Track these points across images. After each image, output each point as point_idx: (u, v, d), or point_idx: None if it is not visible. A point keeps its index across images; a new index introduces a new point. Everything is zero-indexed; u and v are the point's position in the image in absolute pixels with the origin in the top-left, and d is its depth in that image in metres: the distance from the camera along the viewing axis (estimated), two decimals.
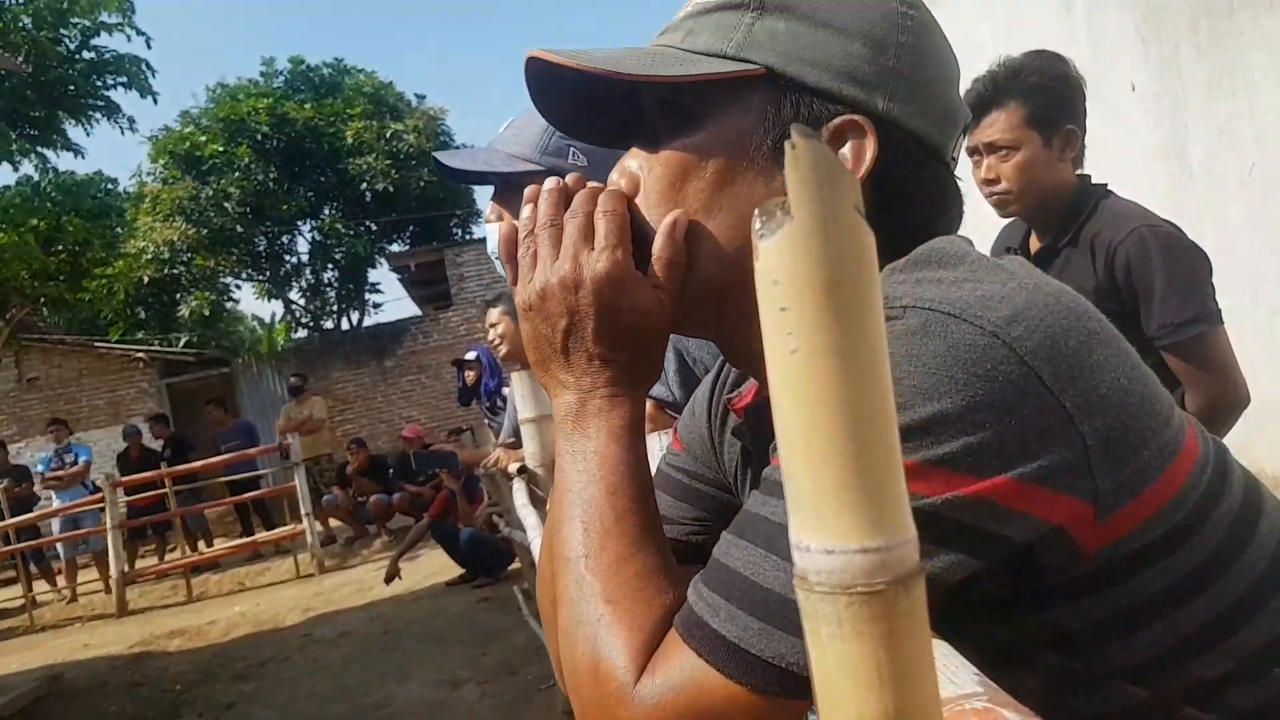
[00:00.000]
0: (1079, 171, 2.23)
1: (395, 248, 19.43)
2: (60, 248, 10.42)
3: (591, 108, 0.85)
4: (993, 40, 4.73)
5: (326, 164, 18.25)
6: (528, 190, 0.85)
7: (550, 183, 0.83)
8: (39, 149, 10.56)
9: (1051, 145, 2.14)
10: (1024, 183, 2.16)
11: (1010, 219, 2.35)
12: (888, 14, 0.78)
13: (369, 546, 10.78)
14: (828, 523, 0.45)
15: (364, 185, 17.81)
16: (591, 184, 0.83)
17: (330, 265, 19.27)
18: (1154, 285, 2.05)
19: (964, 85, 2.26)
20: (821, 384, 0.45)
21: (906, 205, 0.78)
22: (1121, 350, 0.68)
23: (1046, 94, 2.13)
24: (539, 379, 0.85)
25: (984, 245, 2.56)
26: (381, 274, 21.17)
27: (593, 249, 0.78)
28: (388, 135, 17.89)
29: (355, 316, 20.02)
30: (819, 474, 0.45)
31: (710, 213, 0.78)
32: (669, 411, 1.65)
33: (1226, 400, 2.09)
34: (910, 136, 0.77)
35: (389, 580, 7.66)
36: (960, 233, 0.83)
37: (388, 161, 17.72)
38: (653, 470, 1.40)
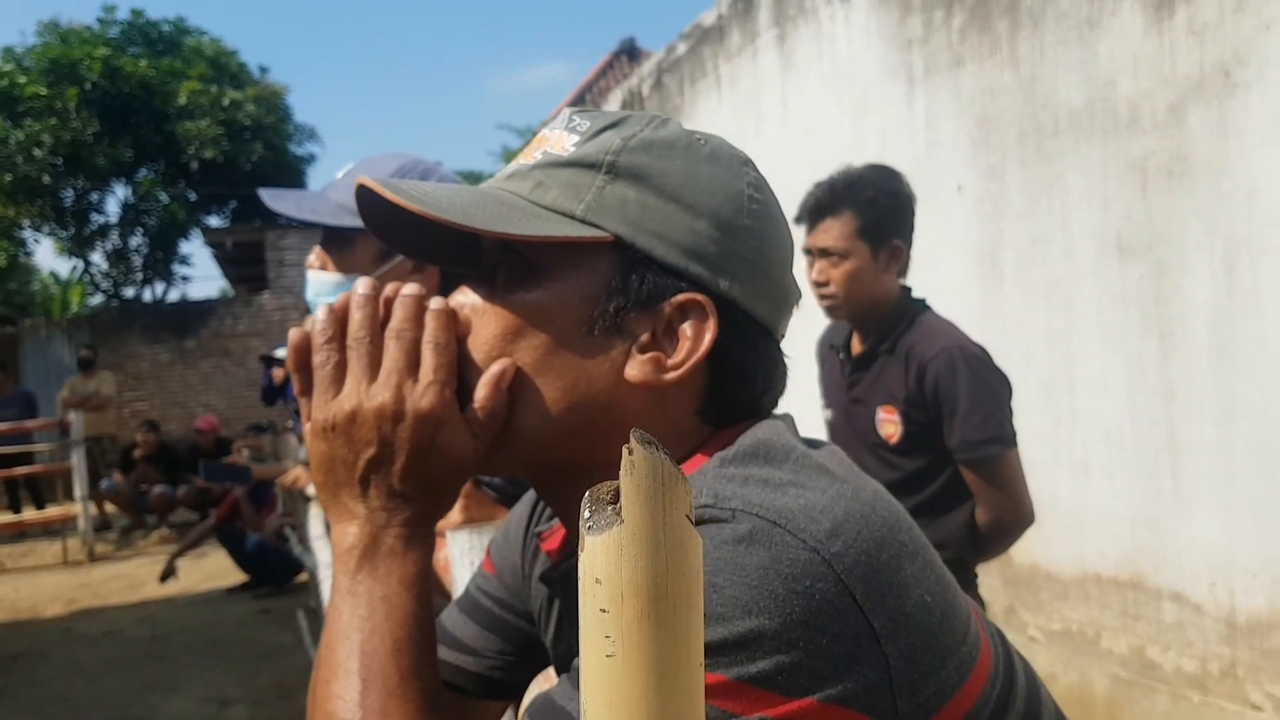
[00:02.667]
0: (902, 282, 2.32)
1: (214, 221, 18.55)
2: None
3: (425, 233, 0.81)
4: (840, 116, 4.91)
5: (153, 123, 17.18)
6: (339, 297, 0.81)
7: (364, 288, 0.80)
8: None
9: (878, 258, 2.23)
10: (850, 290, 2.23)
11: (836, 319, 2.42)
12: (735, 196, 0.78)
13: (146, 538, 10.22)
14: None
15: (191, 151, 16.86)
16: (409, 292, 0.79)
17: (140, 230, 18.18)
18: (958, 403, 2.15)
19: (789, 198, 2.33)
20: (635, 696, 0.43)
21: (740, 382, 0.79)
22: (927, 562, 0.70)
23: (879, 210, 2.22)
24: (321, 501, 0.80)
25: (811, 338, 2.63)
26: (195, 247, 20.07)
27: (416, 380, 0.76)
28: (225, 103, 17.03)
29: (160, 288, 18.96)
30: None
31: (540, 371, 0.76)
32: (486, 489, 1.60)
33: (1013, 517, 2.22)
34: (748, 317, 0.78)
35: (164, 579, 7.25)
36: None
37: (220, 130, 16.86)
38: (464, 569, 1.36)
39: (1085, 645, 3.66)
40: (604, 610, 0.43)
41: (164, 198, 17.58)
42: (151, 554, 9.40)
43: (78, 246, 18.11)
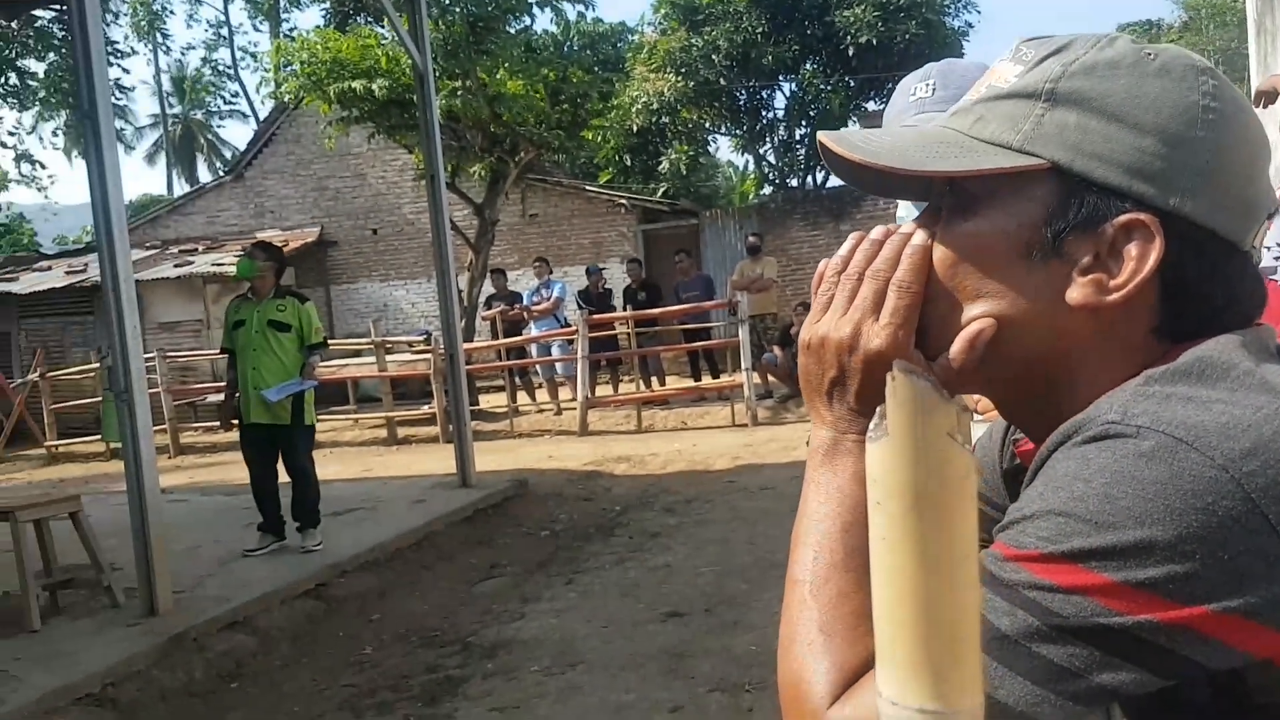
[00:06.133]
0: None
1: (872, 106, 19.11)
2: (563, 98, 11.55)
3: (890, 175, 0.87)
4: None
5: (814, 16, 18.15)
6: (854, 235, 0.90)
7: (877, 233, 0.87)
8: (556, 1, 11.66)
9: None
10: None
11: None
12: (1187, 108, 0.76)
13: (799, 406, 11.23)
14: (896, 680, 0.55)
15: (848, 38, 17.53)
16: (900, 233, 0.86)
17: (804, 122, 19.41)
18: None
19: None
20: (899, 570, 0.54)
21: (1197, 299, 0.77)
22: None
23: None
24: (806, 401, 0.92)
25: None
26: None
27: (877, 319, 0.83)
28: None
29: (821, 176, 20.15)
30: (894, 641, 0.55)
31: (977, 299, 0.81)
32: None
33: None
34: (1203, 231, 0.76)
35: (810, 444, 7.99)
36: None
37: (876, 13, 17.27)
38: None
39: None
40: (878, 502, 0.53)
41: (824, 87, 18.50)
42: (804, 421, 10.33)
43: (750, 142, 19.93)
